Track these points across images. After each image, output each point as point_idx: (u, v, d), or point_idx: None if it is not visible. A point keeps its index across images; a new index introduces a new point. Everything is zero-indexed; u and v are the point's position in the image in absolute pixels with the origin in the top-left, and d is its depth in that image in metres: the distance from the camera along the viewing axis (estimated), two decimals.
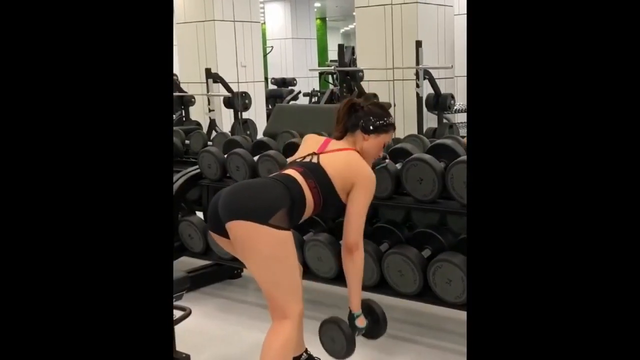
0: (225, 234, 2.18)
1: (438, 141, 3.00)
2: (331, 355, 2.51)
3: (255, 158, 3.45)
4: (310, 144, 2.47)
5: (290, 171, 2.32)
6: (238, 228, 2.11)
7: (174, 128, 4.95)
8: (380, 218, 3.26)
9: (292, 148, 3.40)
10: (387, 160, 2.83)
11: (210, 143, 4.47)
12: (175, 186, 3.68)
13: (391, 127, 2.51)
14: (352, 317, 2.43)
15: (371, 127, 2.43)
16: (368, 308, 2.52)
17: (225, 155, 3.59)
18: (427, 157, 2.77)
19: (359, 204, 2.33)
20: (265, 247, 2.11)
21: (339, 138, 2.48)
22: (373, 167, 2.78)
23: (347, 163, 2.35)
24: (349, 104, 2.49)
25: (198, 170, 3.75)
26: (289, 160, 2.50)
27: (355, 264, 2.36)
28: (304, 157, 2.39)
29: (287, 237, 2.15)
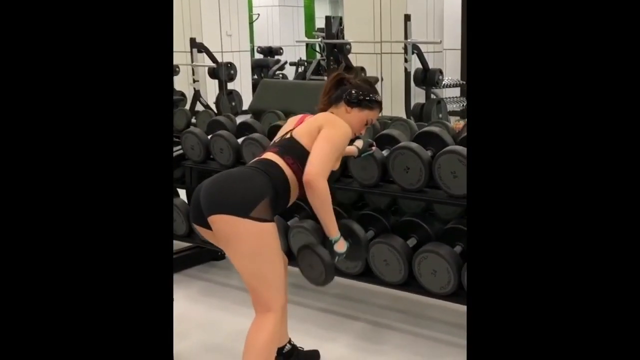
0: (208, 226, 2.14)
1: (425, 129, 2.95)
2: (310, 282, 2.43)
3: (240, 140, 3.39)
4: (287, 125, 2.42)
5: (267, 154, 2.27)
6: (220, 222, 2.07)
7: None
8: (367, 205, 3.23)
9: (277, 130, 3.34)
10: (373, 148, 2.79)
11: (193, 120, 4.40)
12: None
13: (376, 104, 2.43)
14: (329, 243, 2.27)
15: (355, 100, 2.36)
16: (347, 230, 2.41)
17: (209, 137, 3.52)
18: (414, 145, 2.73)
19: (323, 137, 2.21)
20: (247, 241, 2.07)
21: (322, 111, 2.43)
22: (359, 155, 2.74)
23: (315, 119, 2.30)
24: (338, 78, 2.43)
25: (181, 151, 3.68)
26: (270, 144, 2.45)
27: (318, 196, 2.14)
28: (281, 138, 2.34)
29: (269, 230, 2.10)
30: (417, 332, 2.94)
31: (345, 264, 2.91)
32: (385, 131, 3.01)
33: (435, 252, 2.62)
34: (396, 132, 2.97)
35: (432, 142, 2.83)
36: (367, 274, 2.90)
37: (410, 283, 2.78)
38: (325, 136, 2.21)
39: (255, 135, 3.28)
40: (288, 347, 2.58)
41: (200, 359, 2.77)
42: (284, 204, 2.25)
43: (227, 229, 2.07)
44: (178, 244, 3.81)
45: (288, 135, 2.30)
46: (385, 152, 2.87)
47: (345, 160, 2.85)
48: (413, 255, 2.72)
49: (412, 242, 2.86)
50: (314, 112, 3.64)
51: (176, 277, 3.55)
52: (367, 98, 2.38)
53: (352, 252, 2.39)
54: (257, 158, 2.31)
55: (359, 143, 2.73)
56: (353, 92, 2.36)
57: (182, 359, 2.75)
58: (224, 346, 2.87)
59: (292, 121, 2.43)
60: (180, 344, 2.78)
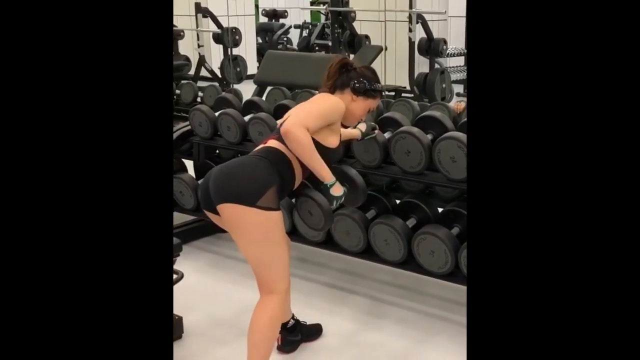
0: (217, 212, 2.25)
1: (427, 113, 3.04)
2: (311, 227, 2.53)
3: (246, 118, 3.48)
4: (290, 111, 2.48)
5: (270, 142, 2.34)
6: (228, 211, 2.18)
7: None
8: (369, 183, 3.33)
9: (283, 110, 3.43)
10: (376, 131, 2.88)
11: (201, 94, 4.47)
12: None
13: (379, 93, 2.51)
14: (325, 188, 2.32)
15: (362, 89, 2.44)
16: (342, 174, 2.48)
17: (217, 114, 3.61)
18: (415, 130, 2.82)
19: (310, 100, 2.38)
20: (254, 229, 2.19)
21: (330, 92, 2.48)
22: (362, 137, 2.83)
23: (310, 99, 2.39)
24: (341, 62, 2.48)
25: (189, 127, 3.78)
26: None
27: (298, 143, 2.20)
28: (281, 123, 2.37)
29: (276, 218, 2.22)
30: (416, 308, 3.08)
31: (346, 237, 3.03)
32: (387, 114, 3.10)
33: (434, 234, 2.74)
34: (398, 115, 3.06)
35: (433, 126, 2.92)
36: (368, 252, 3.03)
37: (409, 262, 2.91)
38: (310, 100, 2.35)
39: (262, 114, 3.37)
40: (292, 322, 2.71)
41: (208, 332, 2.91)
42: (290, 188, 2.36)
43: (235, 218, 2.19)
44: (186, 217, 3.94)
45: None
46: (387, 135, 2.97)
47: (349, 143, 2.95)
48: (412, 235, 2.84)
49: (411, 222, 2.97)
50: (317, 87, 3.70)
51: (184, 249, 3.67)
52: (372, 87, 2.46)
53: (350, 197, 2.46)
54: (260, 146, 2.38)
55: (362, 126, 2.81)
56: (362, 81, 2.43)
57: (190, 332, 2.88)
58: (231, 319, 3.01)
59: (293, 108, 2.50)
60: (188, 317, 2.92)
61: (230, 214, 2.19)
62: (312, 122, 2.25)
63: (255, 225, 2.18)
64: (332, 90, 2.46)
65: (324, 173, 2.29)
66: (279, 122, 2.49)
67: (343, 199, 2.37)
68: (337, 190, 2.33)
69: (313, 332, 2.81)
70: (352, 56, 7.50)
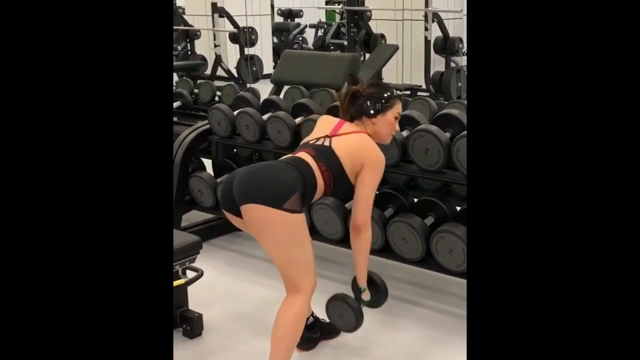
0: (238, 214, 2.28)
1: (445, 111, 3.04)
2: (341, 330, 2.66)
3: (265, 117, 3.51)
4: (323, 126, 2.52)
5: (302, 154, 2.39)
6: (253, 212, 2.21)
7: (184, 76, 4.95)
8: (386, 181, 3.35)
9: (301, 109, 3.46)
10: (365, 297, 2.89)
11: (219, 93, 4.51)
12: (187, 141, 3.75)
13: (394, 100, 2.53)
14: (358, 291, 2.55)
15: (374, 111, 2.48)
16: (369, 280, 2.62)
17: (235, 113, 3.64)
18: (433, 128, 2.83)
19: (368, 185, 2.42)
20: (280, 231, 2.22)
21: (351, 121, 2.54)
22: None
23: (357, 146, 2.42)
24: (349, 94, 2.53)
25: (208, 126, 3.81)
26: (303, 141, 2.56)
27: (362, 243, 2.47)
28: (317, 139, 2.45)
29: (300, 220, 2.25)
30: (434, 307, 3.09)
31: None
32: (405, 112, 3.11)
33: (452, 232, 2.75)
34: (416, 114, 3.06)
35: (451, 124, 2.93)
36: (386, 250, 3.04)
37: (427, 260, 2.92)
38: (370, 183, 2.43)
39: (280, 113, 3.39)
40: (311, 319, 2.73)
41: (227, 329, 2.94)
42: (308, 201, 2.41)
43: (261, 219, 2.21)
44: (205, 215, 3.98)
45: (327, 143, 2.42)
46: (405, 133, 2.98)
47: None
48: (430, 233, 2.85)
49: (429, 220, 2.98)
50: (333, 86, 3.73)
51: (203, 247, 3.70)
52: (383, 102, 2.49)
53: (373, 300, 2.65)
54: (291, 154, 2.43)
55: (366, 295, 2.82)
56: (369, 105, 2.47)
57: (210, 328, 2.91)
58: (250, 316, 3.03)
59: (326, 123, 2.54)
60: (208, 314, 2.95)
61: (256, 214, 2.21)
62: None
63: (281, 227, 2.21)
64: (351, 120, 2.52)
65: (364, 277, 2.57)
66: (315, 134, 2.52)
67: (368, 303, 2.61)
68: (367, 295, 2.59)
69: (332, 330, 2.82)
70: (367, 55, 7.51)
